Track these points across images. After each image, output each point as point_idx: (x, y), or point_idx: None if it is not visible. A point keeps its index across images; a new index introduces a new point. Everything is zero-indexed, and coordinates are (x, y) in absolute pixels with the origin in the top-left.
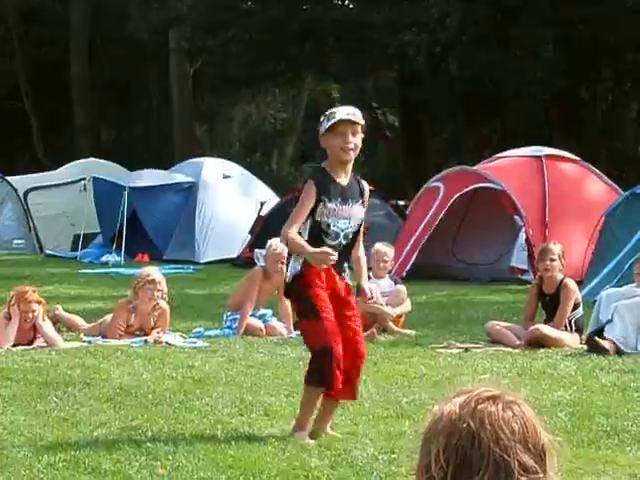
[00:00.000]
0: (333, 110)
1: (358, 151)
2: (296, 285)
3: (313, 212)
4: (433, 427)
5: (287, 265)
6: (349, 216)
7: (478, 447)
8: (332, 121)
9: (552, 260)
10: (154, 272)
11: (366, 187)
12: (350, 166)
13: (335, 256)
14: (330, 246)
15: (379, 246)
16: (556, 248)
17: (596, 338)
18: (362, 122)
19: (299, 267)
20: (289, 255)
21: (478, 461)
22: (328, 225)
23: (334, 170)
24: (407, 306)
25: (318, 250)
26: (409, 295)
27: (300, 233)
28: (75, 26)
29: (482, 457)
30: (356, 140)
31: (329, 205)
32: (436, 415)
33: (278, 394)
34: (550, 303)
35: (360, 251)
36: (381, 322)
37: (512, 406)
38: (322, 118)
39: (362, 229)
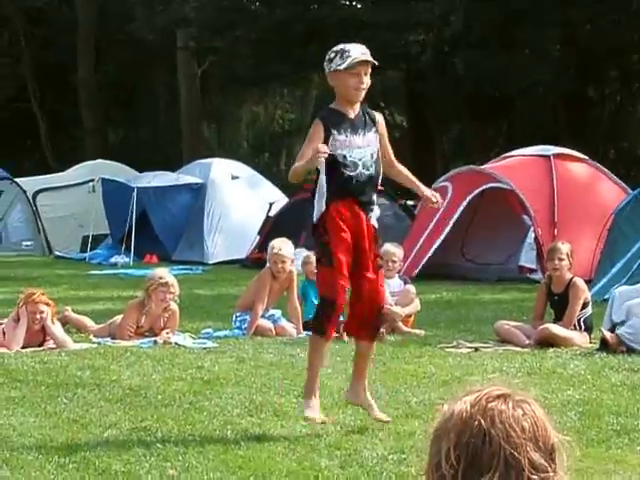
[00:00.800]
0: (345, 48)
1: None
2: (320, 226)
3: None
4: (443, 425)
5: (314, 201)
6: (363, 145)
7: (489, 445)
8: (349, 61)
9: (560, 259)
10: (167, 274)
11: (378, 116)
12: (359, 102)
13: (325, 148)
14: (352, 177)
15: (388, 246)
16: (564, 247)
17: (602, 329)
18: (374, 61)
19: (324, 205)
20: (312, 195)
21: (489, 459)
22: (344, 157)
23: (342, 107)
24: (416, 306)
25: (309, 157)
26: (418, 295)
27: (319, 171)
28: (81, 27)
29: (493, 455)
30: (368, 80)
31: (338, 137)
32: (446, 414)
33: (288, 394)
34: (559, 302)
35: (398, 165)
36: (390, 322)
37: (522, 405)
38: (332, 55)
39: (388, 150)
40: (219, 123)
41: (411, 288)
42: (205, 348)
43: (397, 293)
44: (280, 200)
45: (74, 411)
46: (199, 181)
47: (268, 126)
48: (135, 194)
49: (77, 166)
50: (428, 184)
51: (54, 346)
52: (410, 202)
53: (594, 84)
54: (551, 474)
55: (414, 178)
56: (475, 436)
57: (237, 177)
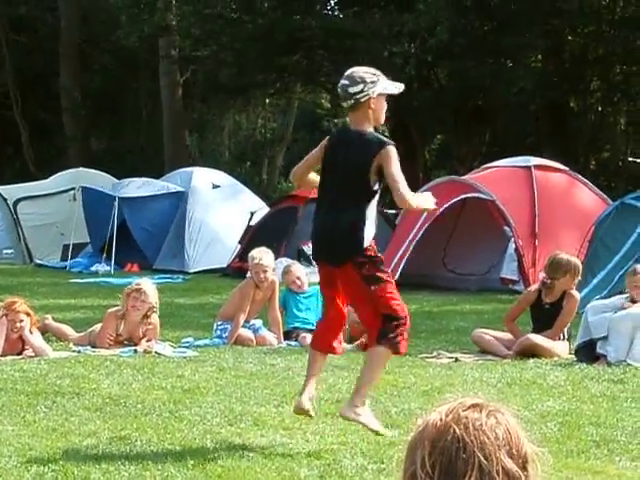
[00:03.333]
0: (376, 72)
1: None
2: (371, 247)
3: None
4: (417, 437)
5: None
6: None
7: (463, 451)
8: (395, 88)
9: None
10: (144, 282)
11: None
12: None
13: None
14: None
15: None
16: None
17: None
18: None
19: (374, 231)
20: (364, 220)
21: (463, 465)
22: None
23: None
24: None
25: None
26: None
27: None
28: (64, 35)
29: (467, 462)
30: None
31: None
32: (420, 426)
33: (267, 404)
34: (549, 311)
35: None
36: None
37: (496, 414)
38: (375, 78)
39: None
40: (201, 132)
41: None
42: (185, 357)
43: None
44: (261, 209)
45: (53, 420)
46: (180, 190)
47: (250, 135)
48: (117, 203)
49: (58, 174)
50: None
51: (33, 354)
52: (391, 211)
53: (576, 94)
54: None
55: None
56: (449, 443)
57: (218, 186)
